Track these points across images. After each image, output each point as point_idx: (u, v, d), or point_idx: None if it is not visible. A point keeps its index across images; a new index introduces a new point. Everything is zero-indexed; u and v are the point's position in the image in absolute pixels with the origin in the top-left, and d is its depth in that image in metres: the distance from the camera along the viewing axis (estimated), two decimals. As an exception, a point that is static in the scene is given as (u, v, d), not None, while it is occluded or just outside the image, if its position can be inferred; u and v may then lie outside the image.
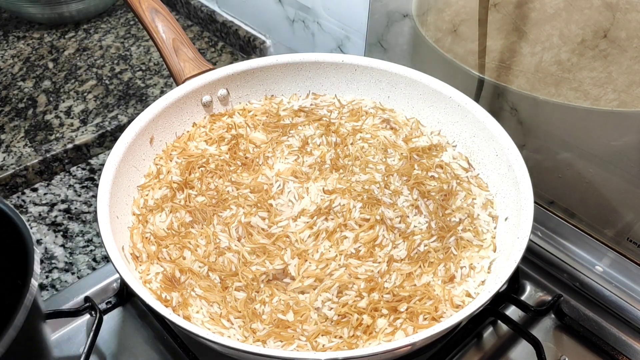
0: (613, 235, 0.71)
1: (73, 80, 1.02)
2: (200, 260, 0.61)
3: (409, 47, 0.84)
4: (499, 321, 0.65)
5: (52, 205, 0.82)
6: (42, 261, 0.75)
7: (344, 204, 0.64)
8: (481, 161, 0.70)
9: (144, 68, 1.07)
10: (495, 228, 0.65)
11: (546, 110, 0.70)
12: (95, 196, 0.59)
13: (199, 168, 0.70)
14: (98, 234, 0.78)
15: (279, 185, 0.67)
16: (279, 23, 1.04)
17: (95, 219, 0.56)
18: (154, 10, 0.77)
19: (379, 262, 0.60)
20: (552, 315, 0.68)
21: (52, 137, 0.89)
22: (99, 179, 0.61)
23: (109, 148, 0.91)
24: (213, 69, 0.76)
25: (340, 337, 0.55)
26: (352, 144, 0.72)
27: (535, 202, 0.60)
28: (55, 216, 0.80)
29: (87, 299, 0.65)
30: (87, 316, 0.66)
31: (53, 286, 0.72)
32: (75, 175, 0.87)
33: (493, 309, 0.64)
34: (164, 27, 0.76)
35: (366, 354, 0.49)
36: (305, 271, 0.59)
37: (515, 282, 0.70)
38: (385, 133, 0.74)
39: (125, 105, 0.96)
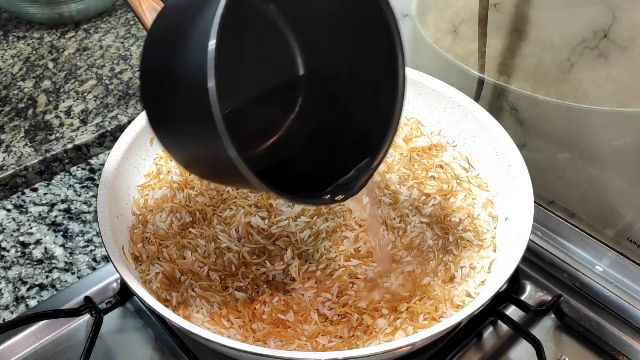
0: (613, 235, 0.71)
1: (73, 80, 1.02)
2: (200, 260, 0.61)
3: (409, 47, 0.83)
4: (499, 321, 0.65)
5: (52, 205, 0.82)
6: (41, 261, 0.75)
7: (344, 203, 0.64)
8: (481, 161, 0.70)
9: (144, 68, 1.07)
10: (495, 228, 0.65)
11: (546, 110, 0.70)
12: (95, 196, 0.59)
13: (199, 168, 0.70)
14: (98, 234, 0.78)
15: (279, 185, 0.67)
16: (279, 23, 1.04)
17: (95, 219, 0.56)
18: (154, 10, 0.77)
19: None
20: (552, 315, 0.68)
21: (52, 137, 0.89)
22: (99, 179, 0.61)
23: (109, 148, 0.91)
24: (213, 68, 0.75)
25: (340, 337, 0.55)
26: (352, 144, 0.72)
27: (535, 202, 0.60)
28: (55, 216, 0.80)
29: (87, 299, 0.65)
30: (87, 316, 0.66)
31: (53, 286, 0.72)
32: (75, 175, 0.87)
33: (493, 309, 0.64)
34: (164, 27, 0.76)
35: (366, 354, 0.49)
36: (305, 272, 0.59)
37: (515, 282, 0.70)
38: (385, 133, 0.74)
39: (125, 105, 0.96)
